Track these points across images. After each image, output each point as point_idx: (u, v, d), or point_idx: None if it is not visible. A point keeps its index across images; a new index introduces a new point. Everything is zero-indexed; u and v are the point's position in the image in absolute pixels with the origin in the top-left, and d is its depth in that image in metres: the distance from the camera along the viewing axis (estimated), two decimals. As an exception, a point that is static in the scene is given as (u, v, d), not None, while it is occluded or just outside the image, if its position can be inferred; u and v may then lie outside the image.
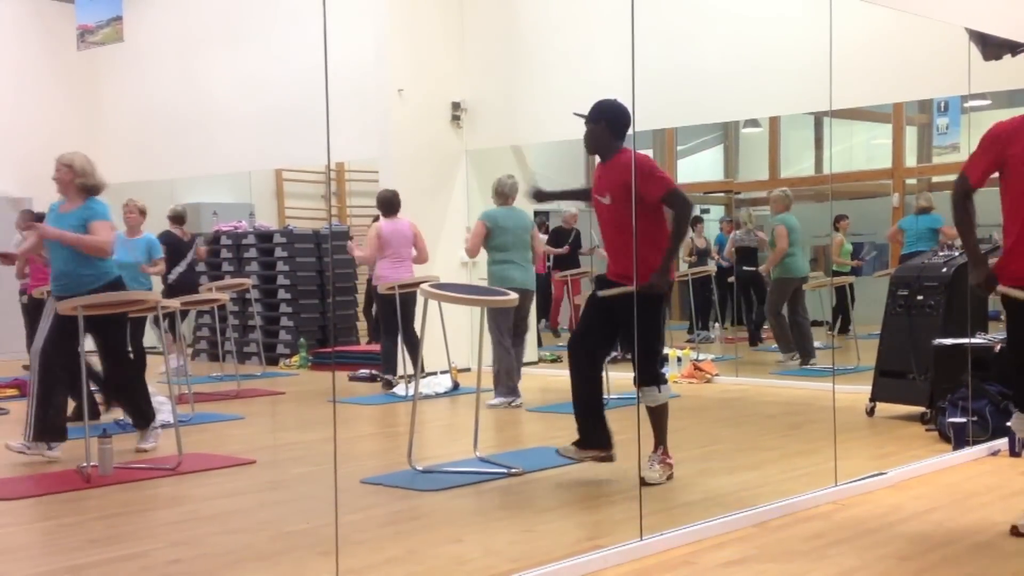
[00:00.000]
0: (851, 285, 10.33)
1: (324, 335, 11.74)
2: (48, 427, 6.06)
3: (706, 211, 13.12)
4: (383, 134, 10.03)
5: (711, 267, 11.47)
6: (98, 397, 7.44)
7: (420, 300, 5.73)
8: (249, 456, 6.15)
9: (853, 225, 11.07)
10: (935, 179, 10.99)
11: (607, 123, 5.18)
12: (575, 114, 5.30)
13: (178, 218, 10.43)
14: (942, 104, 9.96)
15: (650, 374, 5.18)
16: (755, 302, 11.11)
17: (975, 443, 5.86)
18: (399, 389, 8.77)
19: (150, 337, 9.04)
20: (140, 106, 13.14)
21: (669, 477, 5.20)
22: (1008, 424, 5.80)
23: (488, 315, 7.62)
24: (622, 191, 5.06)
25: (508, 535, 4.42)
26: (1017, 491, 5.00)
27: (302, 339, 11.36)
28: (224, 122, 12.22)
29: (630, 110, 5.10)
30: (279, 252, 11.78)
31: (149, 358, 9.13)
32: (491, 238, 7.96)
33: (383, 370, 9.03)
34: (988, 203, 10.11)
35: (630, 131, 5.11)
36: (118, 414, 7.45)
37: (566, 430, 5.30)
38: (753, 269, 10.73)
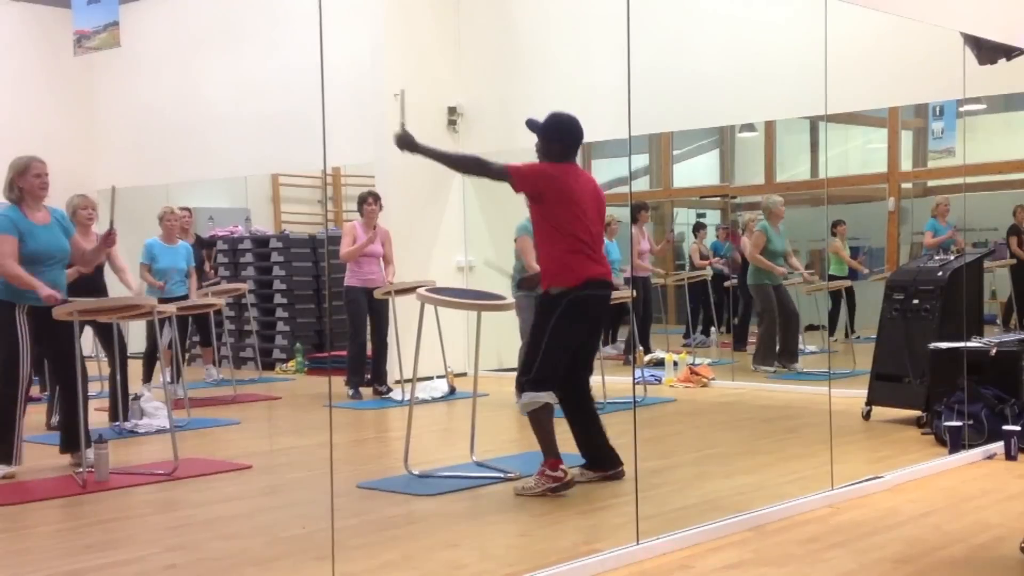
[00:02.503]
0: (848, 289, 10.33)
1: (320, 340, 11.74)
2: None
3: (702, 215, 13.14)
4: (379, 139, 10.02)
5: (707, 272, 11.48)
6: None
7: (416, 304, 5.72)
8: (245, 461, 6.15)
9: (849, 230, 11.08)
10: (930, 183, 10.99)
11: (552, 140, 5.23)
12: (527, 123, 5.31)
13: None
14: (937, 108, 9.96)
15: (520, 378, 5.28)
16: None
17: (971, 447, 5.87)
18: (395, 394, 8.77)
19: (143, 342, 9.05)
20: (137, 111, 13.13)
21: (551, 491, 5.08)
22: (1004, 427, 5.83)
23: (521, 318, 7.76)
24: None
25: (504, 539, 4.42)
26: (1013, 494, 5.01)
27: (298, 344, 11.35)
28: (220, 127, 12.22)
29: (579, 126, 5.24)
30: (275, 257, 11.78)
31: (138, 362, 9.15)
32: None
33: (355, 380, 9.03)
34: (984, 207, 10.13)
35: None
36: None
37: (563, 435, 5.30)
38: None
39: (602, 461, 5.41)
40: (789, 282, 10.19)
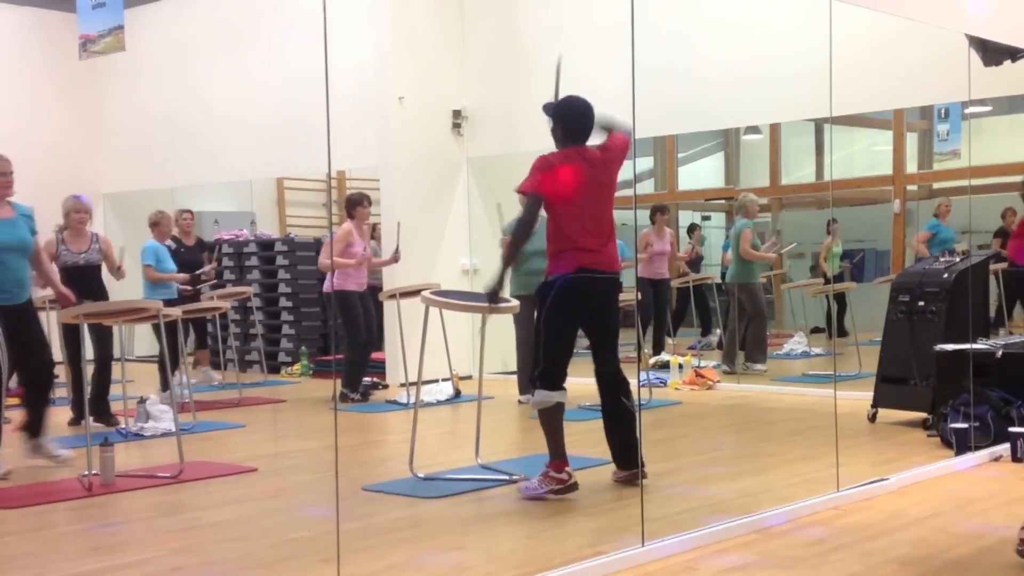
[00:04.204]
0: (839, 294, 10.35)
1: (325, 343, 11.74)
2: None
3: (707, 218, 13.14)
4: (384, 142, 10.04)
5: (712, 274, 11.48)
6: None
7: (421, 307, 5.72)
8: (250, 464, 6.15)
9: (854, 231, 11.08)
10: (936, 185, 10.98)
11: (555, 124, 5.26)
12: (543, 108, 5.35)
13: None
14: (943, 110, 9.95)
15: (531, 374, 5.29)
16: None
17: (977, 449, 5.86)
18: (400, 396, 8.77)
19: (148, 345, 9.05)
20: (142, 115, 13.16)
21: (553, 492, 5.04)
22: (1010, 429, 5.82)
23: (514, 319, 7.76)
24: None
25: (510, 542, 4.42)
26: (1019, 496, 5.00)
27: (303, 347, 11.36)
28: (225, 130, 12.24)
29: (580, 107, 5.28)
30: (280, 260, 11.79)
31: (148, 366, 9.16)
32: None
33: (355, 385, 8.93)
34: (989, 209, 10.10)
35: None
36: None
37: (567, 437, 5.29)
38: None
39: (619, 458, 5.30)
40: (792, 284, 10.23)
